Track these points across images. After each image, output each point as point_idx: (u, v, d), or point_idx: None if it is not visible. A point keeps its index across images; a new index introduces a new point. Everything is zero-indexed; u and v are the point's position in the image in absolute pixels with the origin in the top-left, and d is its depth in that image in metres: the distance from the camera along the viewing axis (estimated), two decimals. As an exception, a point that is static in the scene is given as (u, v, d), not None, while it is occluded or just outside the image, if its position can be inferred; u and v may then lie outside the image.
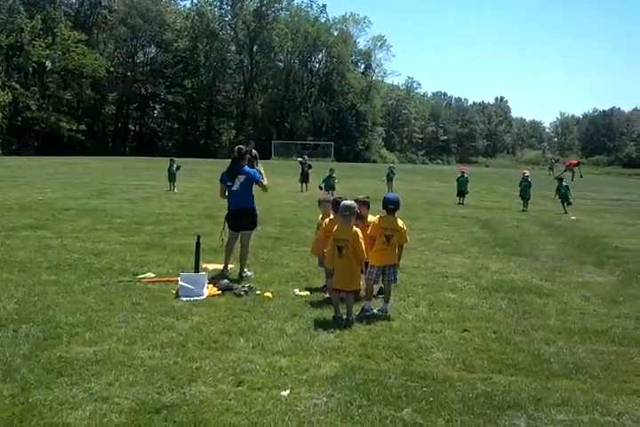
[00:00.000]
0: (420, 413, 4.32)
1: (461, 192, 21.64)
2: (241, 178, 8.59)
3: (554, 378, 5.06)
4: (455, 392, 4.68)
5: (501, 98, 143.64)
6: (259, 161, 9.57)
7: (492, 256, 10.84)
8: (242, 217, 8.67)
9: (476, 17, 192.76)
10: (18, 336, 5.61)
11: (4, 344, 5.39)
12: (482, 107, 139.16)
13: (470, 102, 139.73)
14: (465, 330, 6.26)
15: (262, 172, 9.12)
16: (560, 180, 20.99)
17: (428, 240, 12.40)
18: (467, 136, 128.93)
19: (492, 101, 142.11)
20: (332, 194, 19.75)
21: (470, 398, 4.59)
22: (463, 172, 22.57)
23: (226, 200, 8.83)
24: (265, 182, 8.98)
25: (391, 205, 7.06)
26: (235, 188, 8.63)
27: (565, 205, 19.42)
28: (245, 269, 8.65)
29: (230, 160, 8.80)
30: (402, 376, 4.96)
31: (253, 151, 9.33)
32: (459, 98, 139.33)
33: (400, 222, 7.09)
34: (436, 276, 8.97)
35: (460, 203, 21.14)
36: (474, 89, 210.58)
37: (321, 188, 21.57)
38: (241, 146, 9.17)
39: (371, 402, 4.46)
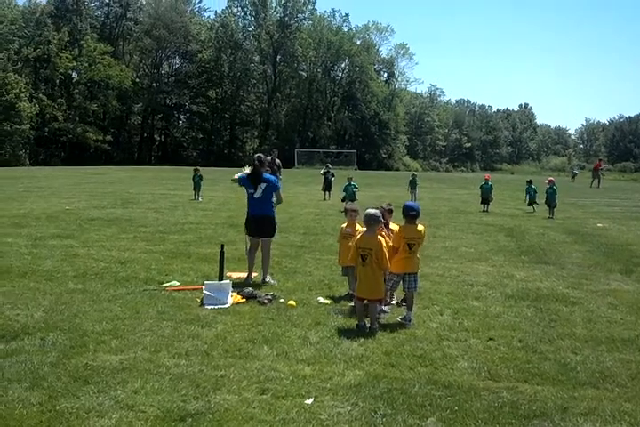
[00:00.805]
0: (444, 422, 4.29)
1: (486, 200, 21.48)
2: (262, 186, 8.74)
3: (580, 387, 5.00)
4: (480, 401, 4.65)
5: (526, 105, 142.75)
6: (281, 171, 9.70)
7: (517, 264, 10.75)
8: (262, 224, 8.84)
9: (500, 24, 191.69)
10: (45, 344, 5.69)
11: (32, 352, 5.47)
12: (506, 114, 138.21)
13: (494, 109, 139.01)
14: (490, 339, 6.22)
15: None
16: (529, 182, 22.27)
17: (452, 248, 12.33)
18: (491, 143, 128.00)
19: (516, 108, 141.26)
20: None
21: (496, 407, 4.56)
22: (487, 179, 22.42)
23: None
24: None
25: (412, 212, 7.04)
26: (256, 195, 8.79)
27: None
28: (268, 276, 8.75)
29: (252, 168, 8.90)
30: (426, 385, 4.94)
31: (277, 160, 9.46)
32: (482, 105, 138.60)
33: (421, 228, 7.10)
34: (461, 284, 8.92)
35: (484, 210, 20.98)
36: (498, 96, 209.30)
37: (344, 200, 20.92)
38: (260, 154, 9.33)
39: (395, 411, 4.44)
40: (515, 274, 9.78)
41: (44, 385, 4.75)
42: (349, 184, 21.40)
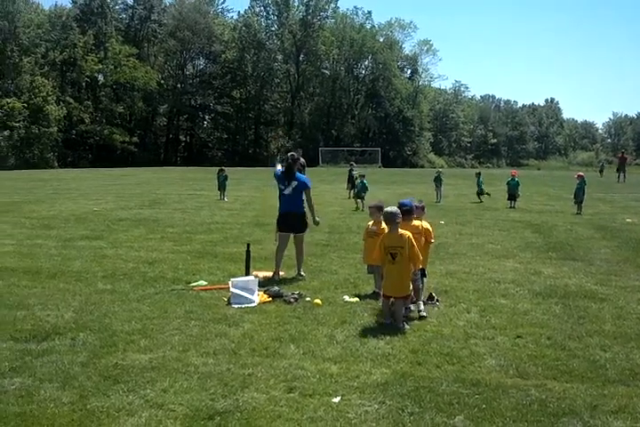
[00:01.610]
0: (472, 420, 4.28)
1: (512, 196, 21.29)
2: (293, 184, 9.02)
3: (610, 385, 4.94)
4: (509, 399, 4.62)
5: (552, 99, 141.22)
6: (306, 169, 9.88)
7: (544, 261, 10.64)
8: (292, 221, 9.11)
9: (525, 18, 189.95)
10: (75, 344, 5.78)
11: (63, 352, 5.56)
12: (532, 109, 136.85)
13: (520, 104, 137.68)
14: (518, 336, 6.17)
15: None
16: (478, 174, 23.46)
17: (479, 245, 12.25)
18: (517, 139, 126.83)
19: (542, 103, 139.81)
20: (361, 203, 19.59)
21: (524, 405, 4.53)
22: (514, 175, 22.21)
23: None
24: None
25: (405, 207, 7.13)
26: (287, 192, 9.08)
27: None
28: (302, 271, 9.08)
29: (286, 165, 9.19)
30: (454, 383, 4.92)
31: (301, 160, 9.66)
32: (508, 100, 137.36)
33: (417, 223, 7.32)
34: (488, 281, 8.86)
35: (511, 207, 20.79)
36: (523, 91, 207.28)
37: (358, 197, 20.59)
38: (293, 153, 9.69)
39: (422, 409, 4.44)
40: (542, 271, 9.68)
41: (74, 384, 4.82)
42: (361, 182, 20.95)
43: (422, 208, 7.74)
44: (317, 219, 9.40)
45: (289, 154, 9.47)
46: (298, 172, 9.27)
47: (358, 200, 20.06)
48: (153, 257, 10.41)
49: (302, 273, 9.05)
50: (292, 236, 9.20)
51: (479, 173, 24.17)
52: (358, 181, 21.26)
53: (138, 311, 6.93)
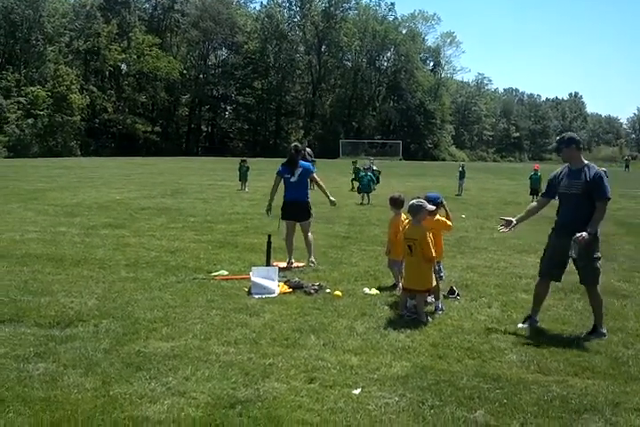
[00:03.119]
0: (493, 415, 4.26)
1: (535, 190, 21.10)
2: (298, 171, 9.20)
3: (632, 382, 4.90)
4: (530, 395, 4.60)
5: (576, 93, 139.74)
6: (315, 160, 10.31)
7: (567, 256, 10.52)
8: (297, 209, 9.31)
9: (548, 11, 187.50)
10: (99, 331, 5.84)
11: (86, 339, 5.61)
12: (555, 103, 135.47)
13: (543, 98, 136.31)
14: (540, 332, 6.13)
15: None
16: (365, 169, 21.45)
17: (500, 240, 12.16)
18: (540, 133, 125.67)
19: (565, 97, 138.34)
20: (368, 198, 19.35)
21: (545, 400, 4.50)
22: (536, 169, 22.04)
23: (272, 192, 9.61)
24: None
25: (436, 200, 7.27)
26: (292, 179, 9.23)
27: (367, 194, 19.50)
28: (312, 258, 9.23)
29: (288, 156, 9.40)
30: (474, 378, 4.90)
31: (308, 150, 10.01)
32: (531, 94, 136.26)
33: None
34: (509, 276, 8.81)
35: (533, 201, 20.61)
36: (547, 85, 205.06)
37: (359, 191, 19.96)
38: (297, 144, 9.99)
39: (443, 403, 4.43)
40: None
41: (97, 371, 4.87)
42: (365, 174, 20.18)
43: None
44: (332, 198, 9.57)
45: (292, 145, 9.73)
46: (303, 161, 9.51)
47: (363, 195, 19.47)
48: (175, 246, 10.49)
49: (313, 260, 9.20)
50: (298, 224, 9.39)
51: (359, 167, 22.55)
52: (363, 173, 20.51)
53: (160, 300, 6.99)
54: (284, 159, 9.52)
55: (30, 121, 57.24)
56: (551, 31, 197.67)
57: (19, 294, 7.11)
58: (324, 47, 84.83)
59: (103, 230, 12.08)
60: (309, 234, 9.37)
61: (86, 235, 11.50)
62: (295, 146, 9.59)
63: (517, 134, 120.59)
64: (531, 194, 21.21)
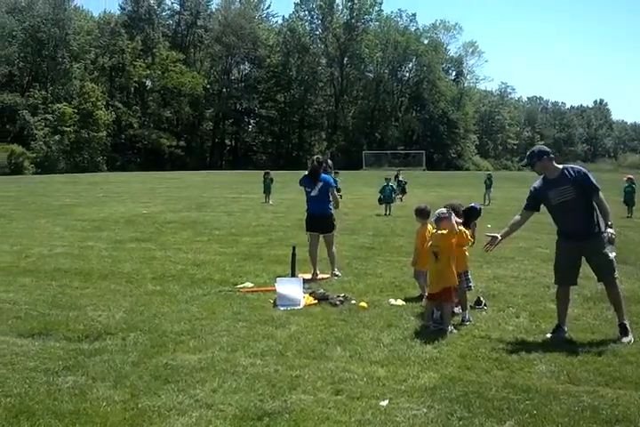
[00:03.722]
0: (523, 426, 4.20)
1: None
2: (319, 185, 9.22)
3: (665, 392, 4.80)
4: (560, 405, 4.52)
5: (601, 101, 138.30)
6: (334, 171, 10.27)
7: (595, 265, 10.37)
8: (319, 222, 9.35)
9: (571, 19, 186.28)
10: (127, 344, 5.88)
11: (114, 352, 5.66)
12: (580, 110, 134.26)
13: (568, 106, 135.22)
14: (569, 341, 6.04)
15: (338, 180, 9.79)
16: (386, 179, 20.44)
17: (527, 249, 12.05)
18: (565, 141, 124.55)
19: (590, 104, 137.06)
20: (389, 209, 19.20)
21: (576, 411, 4.43)
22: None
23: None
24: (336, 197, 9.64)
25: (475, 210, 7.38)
26: (313, 193, 9.31)
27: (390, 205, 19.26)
28: (336, 270, 9.23)
29: (310, 168, 9.45)
30: (503, 388, 4.84)
31: (328, 161, 10.03)
32: (555, 102, 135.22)
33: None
34: (537, 286, 8.71)
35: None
36: (571, 92, 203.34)
37: (380, 202, 19.64)
38: (319, 156, 10.04)
39: (472, 414, 4.38)
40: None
41: (126, 384, 4.90)
42: (387, 185, 19.94)
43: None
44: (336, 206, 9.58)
45: (314, 157, 9.75)
46: (323, 173, 9.51)
47: (385, 205, 19.28)
48: (200, 259, 10.55)
49: (337, 273, 9.19)
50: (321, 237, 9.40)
51: (390, 179, 21.12)
52: (384, 184, 20.09)
53: (187, 312, 7.03)
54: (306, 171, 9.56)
55: (57, 137, 58.20)
56: (575, 39, 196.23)
57: (47, 308, 7.21)
58: (345, 59, 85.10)
59: (130, 244, 12.20)
60: (333, 247, 9.38)
61: (113, 249, 11.62)
62: (317, 158, 9.61)
63: (542, 143, 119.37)
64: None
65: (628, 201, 19.27)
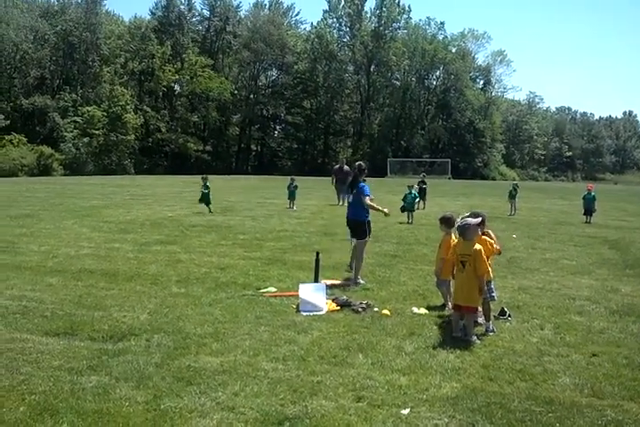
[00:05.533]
0: (545, 439, 4.16)
1: (588, 211, 20.65)
2: (355, 191, 9.36)
3: (693, 409, 4.71)
4: (583, 419, 4.47)
5: (630, 112, 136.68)
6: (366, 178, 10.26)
7: (622, 278, 10.26)
8: (354, 227, 9.48)
9: (601, 29, 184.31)
10: (150, 346, 5.94)
11: (138, 353, 5.72)
12: (609, 121, 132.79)
13: (596, 117, 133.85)
14: (594, 355, 5.97)
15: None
16: (409, 187, 19.97)
17: (553, 260, 11.93)
18: (593, 152, 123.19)
19: (619, 116, 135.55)
20: (411, 217, 19.00)
21: (599, 425, 4.38)
22: (590, 189, 21.53)
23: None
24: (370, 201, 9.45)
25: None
26: (350, 199, 9.55)
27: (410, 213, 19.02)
28: (359, 277, 9.21)
29: (352, 175, 9.63)
30: (526, 400, 4.80)
31: (362, 165, 10.02)
32: (584, 113, 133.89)
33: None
34: (562, 298, 8.61)
35: (586, 222, 20.17)
36: (600, 103, 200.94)
37: (403, 210, 19.09)
38: (361, 162, 10.08)
39: (494, 425, 4.35)
40: (620, 288, 9.34)
41: (149, 385, 4.95)
42: (410, 193, 19.62)
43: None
44: (385, 210, 9.53)
45: (356, 164, 9.83)
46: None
47: (408, 213, 18.98)
48: (224, 263, 10.61)
49: (359, 280, 9.15)
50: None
51: (412, 186, 20.39)
52: (407, 191, 19.78)
53: (210, 315, 7.08)
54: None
55: (86, 140, 58.85)
56: (604, 49, 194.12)
57: (73, 308, 7.31)
58: (372, 67, 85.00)
59: (155, 247, 12.31)
60: (363, 254, 9.39)
61: (139, 251, 11.73)
62: (359, 164, 9.73)
63: (570, 153, 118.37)
64: (584, 214, 20.74)
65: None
